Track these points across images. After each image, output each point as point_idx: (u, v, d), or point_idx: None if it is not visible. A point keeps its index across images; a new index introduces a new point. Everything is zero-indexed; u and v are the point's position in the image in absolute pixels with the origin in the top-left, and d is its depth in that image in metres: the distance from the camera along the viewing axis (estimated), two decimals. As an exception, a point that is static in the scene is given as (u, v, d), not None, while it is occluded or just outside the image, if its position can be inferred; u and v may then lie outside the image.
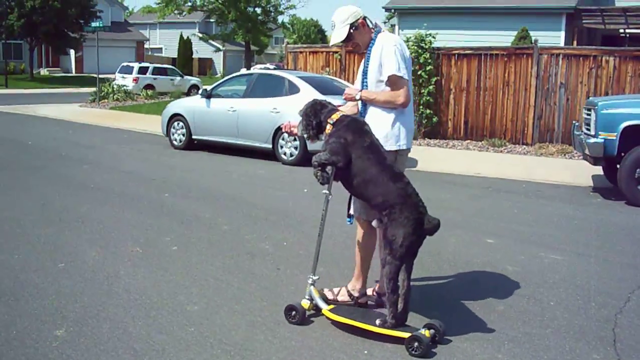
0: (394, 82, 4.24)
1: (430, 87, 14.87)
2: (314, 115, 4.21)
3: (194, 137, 13.13)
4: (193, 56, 55.50)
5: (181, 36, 54.68)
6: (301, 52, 17.10)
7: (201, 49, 58.62)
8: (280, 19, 24.12)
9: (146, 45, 61.29)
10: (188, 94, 29.09)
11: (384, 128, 4.29)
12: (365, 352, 3.83)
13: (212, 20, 63.89)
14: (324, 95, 11.43)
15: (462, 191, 9.70)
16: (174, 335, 4.00)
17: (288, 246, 6.20)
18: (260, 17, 24.12)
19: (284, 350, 3.83)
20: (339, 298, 4.49)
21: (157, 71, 32.67)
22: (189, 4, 24.54)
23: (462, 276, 5.43)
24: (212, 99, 12.82)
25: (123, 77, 31.27)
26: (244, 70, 29.81)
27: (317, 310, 4.25)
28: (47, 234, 6.32)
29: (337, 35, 4.37)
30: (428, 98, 14.90)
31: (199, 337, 3.99)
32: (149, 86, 30.63)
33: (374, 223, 4.13)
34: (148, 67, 32.62)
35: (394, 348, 3.85)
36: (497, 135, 14.56)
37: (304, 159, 11.36)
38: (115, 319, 4.23)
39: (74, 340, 3.88)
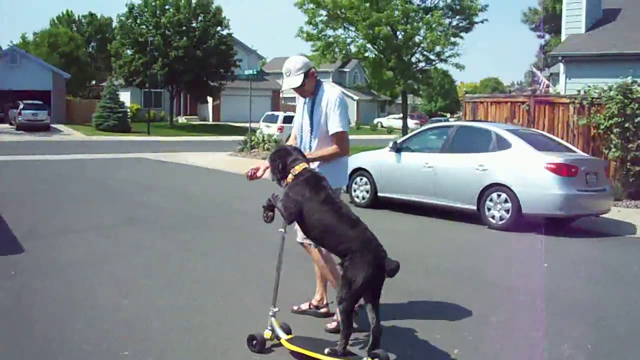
0: (339, 137, 4.98)
1: (640, 141, 13.09)
2: (278, 163, 4.50)
3: (379, 194, 11.95)
4: (325, 105, 55.27)
5: (314, 86, 54.67)
6: (481, 102, 15.73)
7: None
8: (439, 67, 22.91)
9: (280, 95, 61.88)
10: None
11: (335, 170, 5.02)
12: None
13: (346, 70, 64.47)
14: (538, 151, 10.05)
15: None
16: None
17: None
18: (421, 65, 23.00)
19: None
20: (303, 307, 5.41)
21: (297, 120, 32.18)
22: (344, 52, 23.68)
23: None
24: (402, 153, 11.64)
25: (268, 126, 31.01)
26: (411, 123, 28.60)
27: (278, 339, 4.49)
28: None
29: (292, 81, 4.98)
30: (637, 154, 13.08)
31: None
32: (294, 135, 30.10)
33: (337, 267, 4.35)
34: (293, 117, 32.19)
35: None
36: None
37: (516, 223, 9.92)
38: None
39: None
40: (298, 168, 4.41)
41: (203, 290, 6.08)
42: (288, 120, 32.20)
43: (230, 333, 4.83)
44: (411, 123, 60.68)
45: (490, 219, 10.24)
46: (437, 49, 21.50)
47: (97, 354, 4.41)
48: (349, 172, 12.00)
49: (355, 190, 12.34)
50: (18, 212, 10.01)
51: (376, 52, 23.17)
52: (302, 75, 4.96)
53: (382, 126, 62.97)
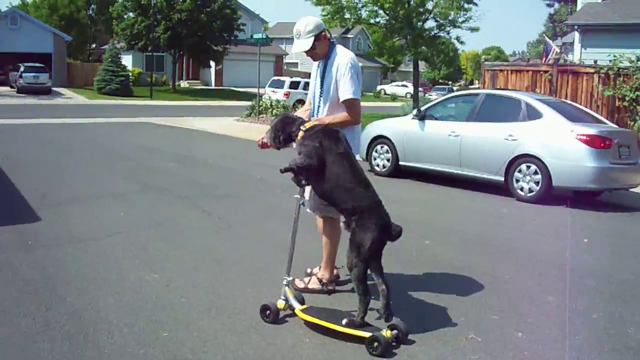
0: (350, 104, 4.67)
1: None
2: (287, 127, 4.38)
3: (401, 163, 11.56)
4: (329, 71, 54.57)
5: (318, 52, 53.92)
6: (501, 71, 15.27)
7: (337, 65, 57.60)
8: (454, 33, 22.25)
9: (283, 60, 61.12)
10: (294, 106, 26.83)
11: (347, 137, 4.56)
12: None
13: (350, 36, 63.57)
14: (571, 122, 9.66)
15: None
16: None
17: None
18: (434, 32, 22.36)
19: None
20: (310, 286, 4.92)
21: (308, 86, 31.56)
22: (354, 18, 23.03)
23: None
24: (426, 121, 11.22)
25: (274, 92, 30.48)
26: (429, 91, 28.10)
27: (292, 310, 4.33)
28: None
29: (302, 44, 4.68)
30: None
31: None
32: (300, 101, 29.56)
33: (342, 225, 4.21)
34: (299, 82, 31.70)
35: None
36: None
37: (546, 196, 9.57)
38: None
39: None
40: (308, 124, 4.32)
41: (230, 264, 5.72)
42: (294, 85, 31.71)
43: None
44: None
45: (519, 191, 9.87)
46: (451, 15, 20.85)
47: (135, 334, 4.07)
48: (369, 139, 11.83)
49: (375, 159, 11.95)
50: (28, 179, 9.64)
51: (387, 18, 22.50)
52: (312, 38, 4.66)
53: (385, 93, 62.32)
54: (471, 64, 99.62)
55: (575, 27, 22.33)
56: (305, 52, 4.72)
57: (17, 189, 8.69)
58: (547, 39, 27.15)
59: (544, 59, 24.91)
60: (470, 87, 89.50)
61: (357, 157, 4.83)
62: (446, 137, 10.77)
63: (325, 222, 4.90)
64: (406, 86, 61.60)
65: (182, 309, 4.54)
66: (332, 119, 4.67)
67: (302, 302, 4.40)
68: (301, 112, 5.08)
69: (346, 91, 4.64)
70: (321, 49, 4.74)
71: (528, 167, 9.78)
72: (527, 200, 9.71)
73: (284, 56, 60.24)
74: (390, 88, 64.32)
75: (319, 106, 4.86)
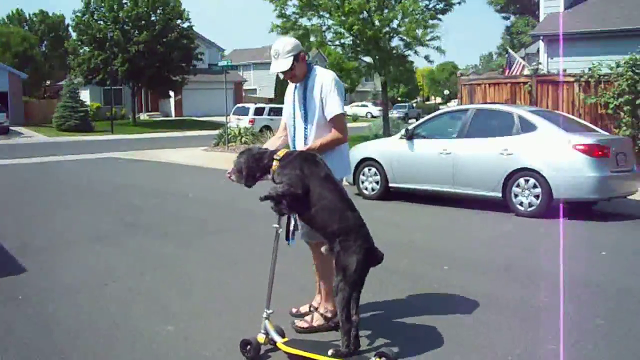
0: (338, 120, 4.51)
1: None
2: (257, 162, 4.20)
3: (391, 185, 11.21)
4: (291, 96, 54.29)
5: (277, 76, 53.64)
6: (479, 85, 15.11)
7: (298, 89, 57.41)
8: (422, 52, 21.97)
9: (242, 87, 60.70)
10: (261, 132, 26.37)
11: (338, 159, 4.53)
12: None
13: (315, 60, 63.45)
14: (567, 133, 9.44)
15: None
16: None
17: None
18: (402, 51, 22.18)
19: None
20: (315, 324, 4.60)
21: (273, 112, 31.18)
22: (319, 41, 22.73)
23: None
24: (414, 140, 10.91)
25: (238, 119, 29.95)
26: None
27: (274, 344, 4.14)
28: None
29: (281, 64, 4.49)
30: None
31: None
32: (266, 127, 29.12)
33: (323, 249, 4.08)
34: (264, 108, 31.33)
35: None
36: None
37: (547, 209, 9.31)
38: None
39: None
40: (281, 153, 4.18)
41: (246, 306, 5.19)
42: (259, 112, 31.34)
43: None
44: (375, 110, 60.35)
45: (518, 206, 9.59)
46: (419, 33, 20.69)
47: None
48: (355, 162, 11.46)
49: (363, 182, 11.57)
50: (4, 225, 9.02)
51: (353, 39, 22.25)
52: (292, 58, 4.47)
53: (346, 115, 62.16)
54: (427, 81, 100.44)
55: (541, 37, 22.40)
56: (284, 73, 4.55)
57: (-6, 238, 8.08)
58: (510, 51, 27.27)
59: (507, 71, 24.97)
60: (426, 103, 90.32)
61: (344, 182, 4.71)
62: (437, 155, 10.47)
63: (316, 254, 4.63)
64: (366, 106, 61.71)
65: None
66: (323, 141, 4.48)
67: (282, 335, 4.21)
68: (274, 140, 4.91)
69: (335, 106, 4.49)
70: (300, 70, 4.57)
71: (526, 181, 9.52)
72: (527, 215, 9.44)
73: (242, 83, 59.84)
74: (350, 109, 64.30)
75: (304, 128, 4.61)
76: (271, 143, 4.84)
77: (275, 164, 4.12)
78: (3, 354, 4.21)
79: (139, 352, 4.29)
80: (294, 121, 4.69)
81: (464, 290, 5.68)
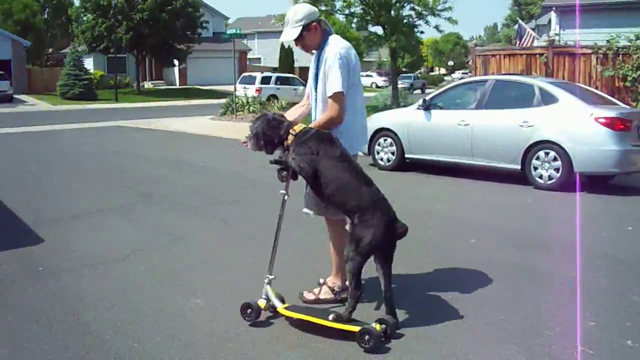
0: (335, 98, 4.23)
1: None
2: (273, 131, 4.12)
3: (407, 155, 11.05)
4: (294, 65, 53.89)
5: (282, 46, 53.18)
6: (493, 56, 14.85)
7: (302, 58, 56.89)
8: (433, 22, 21.59)
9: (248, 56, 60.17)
10: (268, 100, 26.17)
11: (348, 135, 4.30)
12: None
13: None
14: (589, 105, 9.25)
15: None
16: None
17: None
18: (411, 20, 21.85)
19: None
20: (322, 296, 4.53)
21: (280, 81, 30.91)
22: (328, 8, 22.39)
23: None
24: (432, 111, 10.73)
25: (245, 88, 29.67)
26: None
27: (274, 311, 4.18)
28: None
29: (288, 33, 4.36)
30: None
31: None
32: (273, 96, 28.87)
33: (347, 227, 4.04)
34: (271, 77, 31.04)
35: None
36: None
37: (567, 183, 9.15)
38: None
39: None
40: (297, 128, 4.09)
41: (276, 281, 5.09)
42: (266, 81, 31.08)
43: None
44: (379, 80, 59.84)
45: (538, 179, 9.44)
46: (430, 1, 20.39)
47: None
48: (370, 133, 11.25)
49: (378, 153, 11.42)
50: (16, 196, 8.88)
51: (363, 7, 21.93)
52: (300, 28, 4.30)
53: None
54: (431, 51, 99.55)
55: (553, 8, 22.05)
56: (295, 42, 4.39)
57: (9, 209, 7.95)
58: (521, 22, 26.95)
59: (517, 43, 24.65)
60: (431, 74, 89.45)
61: (360, 152, 4.64)
62: (455, 126, 10.30)
63: (330, 227, 4.56)
64: (371, 76, 61.21)
65: (244, 342, 3.95)
66: (316, 123, 4.30)
67: (283, 301, 4.23)
68: (296, 108, 4.75)
69: (332, 85, 4.23)
70: (311, 40, 4.39)
71: (546, 153, 9.36)
72: (547, 188, 9.30)
73: (247, 52, 59.28)
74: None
75: (315, 101, 4.48)
76: (292, 112, 4.69)
77: (290, 137, 4.05)
78: (27, 331, 4.09)
79: (169, 326, 4.17)
80: (311, 93, 4.57)
81: (492, 263, 5.57)
